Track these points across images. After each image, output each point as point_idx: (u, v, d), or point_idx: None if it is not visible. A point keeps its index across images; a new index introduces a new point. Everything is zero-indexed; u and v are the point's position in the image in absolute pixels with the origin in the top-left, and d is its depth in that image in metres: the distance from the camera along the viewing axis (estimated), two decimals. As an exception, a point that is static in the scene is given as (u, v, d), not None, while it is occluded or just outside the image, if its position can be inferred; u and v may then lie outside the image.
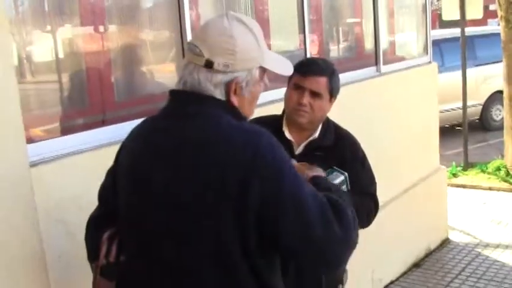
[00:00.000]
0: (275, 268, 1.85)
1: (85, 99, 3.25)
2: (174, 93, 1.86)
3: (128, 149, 1.95)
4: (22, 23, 2.89)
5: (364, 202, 2.70)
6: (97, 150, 2.88)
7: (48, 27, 3.03)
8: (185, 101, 1.81)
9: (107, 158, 2.78)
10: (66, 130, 3.01)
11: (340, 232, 1.73)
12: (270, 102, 3.70)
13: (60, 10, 3.08)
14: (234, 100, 1.82)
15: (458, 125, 10.76)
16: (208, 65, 1.77)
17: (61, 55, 3.13)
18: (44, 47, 3.03)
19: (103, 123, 3.18)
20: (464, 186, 8.35)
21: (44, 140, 2.79)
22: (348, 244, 1.78)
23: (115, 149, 2.83)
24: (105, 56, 3.34)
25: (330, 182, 2.10)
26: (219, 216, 1.69)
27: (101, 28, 3.29)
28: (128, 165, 1.90)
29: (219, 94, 1.80)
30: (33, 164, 2.56)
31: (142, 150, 1.86)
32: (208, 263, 1.73)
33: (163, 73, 3.68)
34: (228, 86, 1.80)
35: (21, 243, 2.43)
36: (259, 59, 1.86)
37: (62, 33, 3.12)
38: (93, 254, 2.03)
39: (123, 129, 2.99)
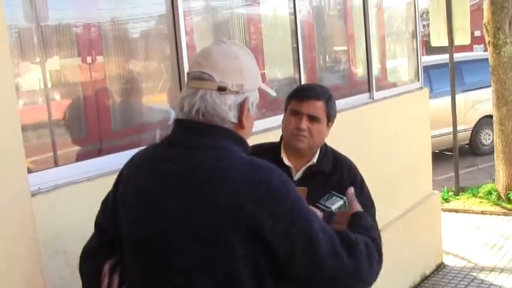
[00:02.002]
0: None
1: (83, 129, 3.26)
2: (182, 123, 1.84)
3: (131, 178, 1.91)
4: (19, 54, 2.90)
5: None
6: (94, 180, 2.88)
7: (46, 58, 3.04)
8: (195, 132, 1.80)
9: (104, 188, 2.81)
10: (63, 160, 3.01)
11: (350, 265, 1.77)
12: (266, 130, 3.72)
13: (57, 40, 3.09)
14: (244, 121, 1.84)
15: (448, 150, 10.83)
16: (222, 88, 1.78)
17: (58, 85, 3.14)
18: (41, 77, 3.03)
19: (99, 152, 3.19)
20: (456, 211, 8.38)
21: (41, 170, 2.78)
22: (359, 277, 1.81)
23: (112, 178, 2.85)
24: (103, 86, 3.36)
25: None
26: (229, 248, 1.68)
27: (98, 58, 3.31)
28: (135, 195, 1.86)
29: (233, 117, 1.81)
30: (32, 194, 2.56)
31: (151, 180, 1.83)
32: None
33: (160, 103, 3.70)
34: (241, 107, 1.82)
35: (23, 272, 2.41)
36: (259, 79, 1.91)
37: (59, 64, 3.13)
38: (93, 286, 1.98)
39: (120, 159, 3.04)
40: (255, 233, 1.67)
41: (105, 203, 2.05)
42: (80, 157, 3.07)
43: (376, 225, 2.80)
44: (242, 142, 1.85)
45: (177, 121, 1.87)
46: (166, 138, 1.90)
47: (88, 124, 3.30)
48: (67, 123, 3.17)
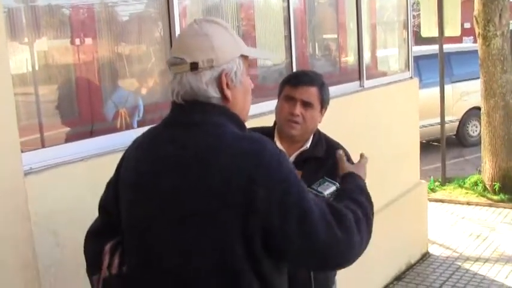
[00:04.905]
0: (280, 272, 1.86)
1: (74, 109, 3.25)
2: (176, 104, 1.86)
3: (131, 160, 1.94)
4: (13, 34, 2.88)
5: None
6: (86, 161, 2.88)
7: (38, 39, 3.03)
8: (189, 111, 1.82)
9: (96, 169, 2.81)
10: (54, 140, 3.00)
11: (341, 234, 1.77)
12: (254, 116, 3.71)
13: (49, 22, 3.07)
14: (228, 94, 1.84)
15: (435, 141, 10.89)
16: (194, 66, 1.80)
17: (52, 66, 3.13)
18: (34, 58, 3.01)
19: (91, 134, 3.19)
20: (442, 201, 8.44)
21: (33, 150, 2.78)
22: (351, 245, 1.82)
23: (104, 160, 2.86)
24: (95, 68, 3.35)
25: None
26: (224, 225, 1.70)
27: (91, 40, 3.30)
28: (133, 176, 1.90)
29: (213, 91, 1.82)
30: (24, 174, 2.55)
31: (148, 161, 1.85)
32: (212, 272, 1.73)
33: (152, 85, 3.70)
34: (219, 81, 1.83)
35: (15, 251, 2.42)
36: (238, 49, 1.90)
37: (52, 45, 3.12)
38: (93, 267, 1.99)
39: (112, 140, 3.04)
40: (248, 207, 1.68)
41: (108, 184, 2.07)
42: (72, 138, 3.06)
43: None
44: (236, 119, 1.86)
45: (172, 102, 1.89)
46: (164, 119, 1.92)
47: (80, 105, 3.29)
48: (58, 104, 3.16)
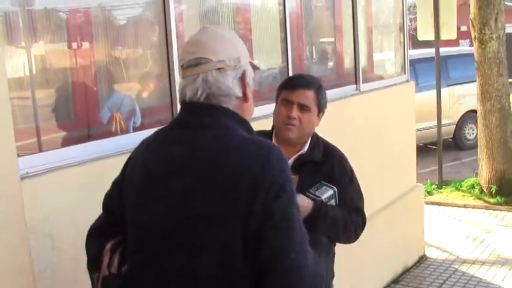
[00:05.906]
0: None
1: (71, 114, 3.25)
2: (187, 105, 1.88)
3: (139, 159, 1.95)
4: (9, 38, 2.88)
5: (352, 217, 2.73)
6: (82, 166, 2.87)
7: (35, 43, 3.03)
8: (199, 113, 1.84)
9: (92, 174, 2.81)
10: (51, 145, 3.00)
11: (310, 267, 1.76)
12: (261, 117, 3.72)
13: (46, 26, 3.07)
14: (249, 94, 1.89)
15: (432, 144, 10.90)
16: (221, 65, 1.82)
17: (48, 70, 3.13)
18: (31, 62, 3.01)
19: (88, 138, 3.18)
20: (439, 204, 8.45)
21: (29, 154, 2.77)
22: (313, 284, 1.77)
23: (100, 164, 2.86)
24: (92, 72, 3.35)
25: None
26: (230, 227, 1.71)
27: (88, 44, 3.30)
28: (141, 176, 1.90)
29: (237, 90, 1.86)
30: (20, 178, 2.54)
31: (157, 161, 1.87)
32: (217, 274, 1.74)
33: (149, 89, 3.70)
34: (242, 81, 1.87)
35: (10, 255, 2.41)
36: (248, 55, 1.95)
37: (49, 49, 3.12)
38: (95, 264, 2.00)
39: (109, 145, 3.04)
40: (250, 209, 1.70)
41: (114, 183, 2.08)
42: (68, 142, 3.06)
43: (364, 215, 2.83)
44: (245, 122, 1.89)
45: (182, 104, 1.90)
46: (172, 121, 1.95)
47: (76, 109, 3.29)
48: (54, 108, 3.16)
